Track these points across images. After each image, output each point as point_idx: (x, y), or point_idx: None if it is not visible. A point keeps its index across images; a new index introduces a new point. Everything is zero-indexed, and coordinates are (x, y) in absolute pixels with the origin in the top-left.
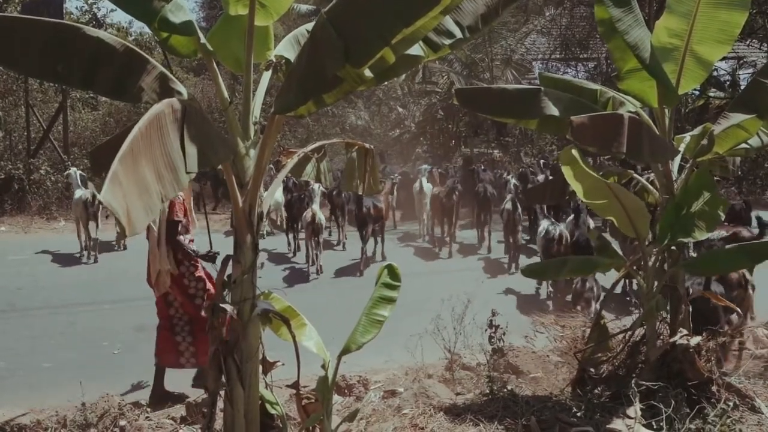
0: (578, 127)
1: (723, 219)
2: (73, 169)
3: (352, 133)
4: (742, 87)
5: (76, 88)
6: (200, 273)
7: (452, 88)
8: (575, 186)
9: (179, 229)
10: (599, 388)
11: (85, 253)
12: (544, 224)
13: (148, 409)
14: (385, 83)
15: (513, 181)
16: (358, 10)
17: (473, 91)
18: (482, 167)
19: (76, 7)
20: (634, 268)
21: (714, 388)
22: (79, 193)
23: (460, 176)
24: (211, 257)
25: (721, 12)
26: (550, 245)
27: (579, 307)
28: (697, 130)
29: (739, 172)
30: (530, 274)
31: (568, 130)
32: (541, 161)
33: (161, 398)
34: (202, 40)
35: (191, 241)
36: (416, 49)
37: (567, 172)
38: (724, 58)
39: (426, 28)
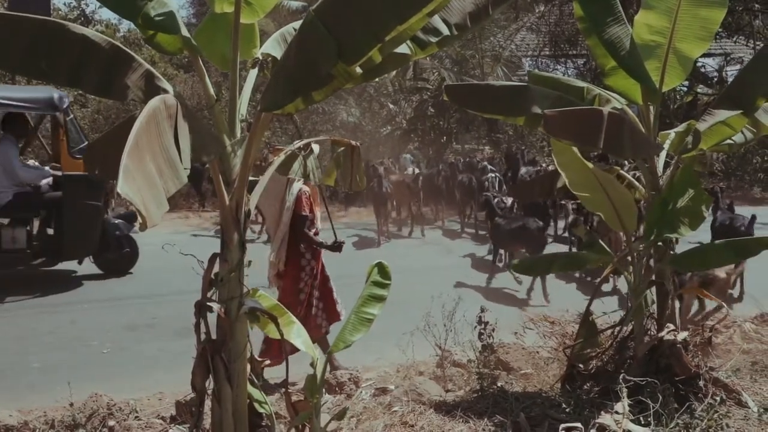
0: (550, 120)
1: None
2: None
3: (343, 130)
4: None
5: (62, 85)
6: (316, 271)
7: (443, 84)
8: (564, 176)
9: (306, 223)
10: (588, 384)
11: None
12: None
13: (138, 409)
14: (376, 80)
15: (490, 167)
16: (351, 8)
17: (462, 88)
18: (462, 160)
19: (64, 3)
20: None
21: (701, 383)
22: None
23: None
24: (337, 247)
25: (702, 9)
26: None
27: None
28: (681, 127)
29: (721, 166)
30: (520, 269)
31: (541, 122)
32: (524, 150)
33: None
34: (187, 36)
35: (316, 234)
36: (404, 47)
37: (557, 160)
38: (711, 55)
39: (414, 27)
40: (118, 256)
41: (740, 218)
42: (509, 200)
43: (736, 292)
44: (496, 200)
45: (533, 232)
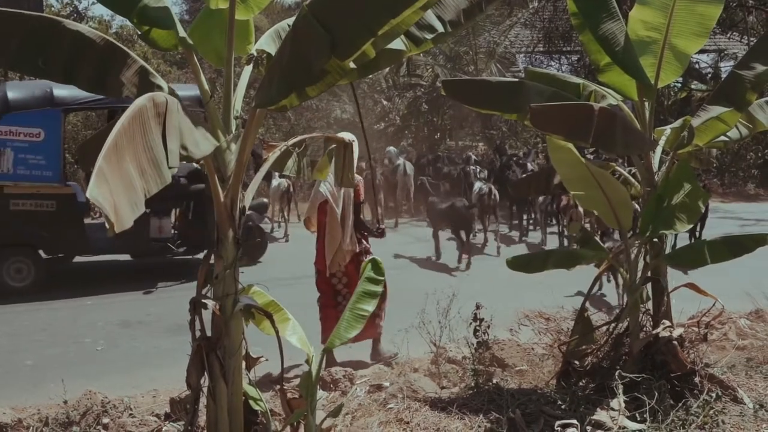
0: (536, 115)
1: None
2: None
3: (337, 126)
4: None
5: (57, 82)
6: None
7: (437, 81)
8: (560, 173)
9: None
10: (584, 381)
11: None
12: (478, 185)
13: (132, 407)
14: (370, 76)
15: (474, 158)
16: (344, 2)
17: (459, 83)
18: (448, 153)
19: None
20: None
21: (697, 380)
22: None
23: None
24: (381, 232)
25: (698, 5)
26: (483, 199)
27: None
28: (676, 123)
29: (715, 162)
30: (515, 266)
31: (527, 116)
32: (532, 151)
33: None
34: (182, 33)
35: None
36: (398, 44)
37: (552, 156)
38: (705, 51)
39: (407, 22)
40: (249, 246)
41: None
42: (486, 187)
43: None
44: (480, 188)
45: (460, 210)
